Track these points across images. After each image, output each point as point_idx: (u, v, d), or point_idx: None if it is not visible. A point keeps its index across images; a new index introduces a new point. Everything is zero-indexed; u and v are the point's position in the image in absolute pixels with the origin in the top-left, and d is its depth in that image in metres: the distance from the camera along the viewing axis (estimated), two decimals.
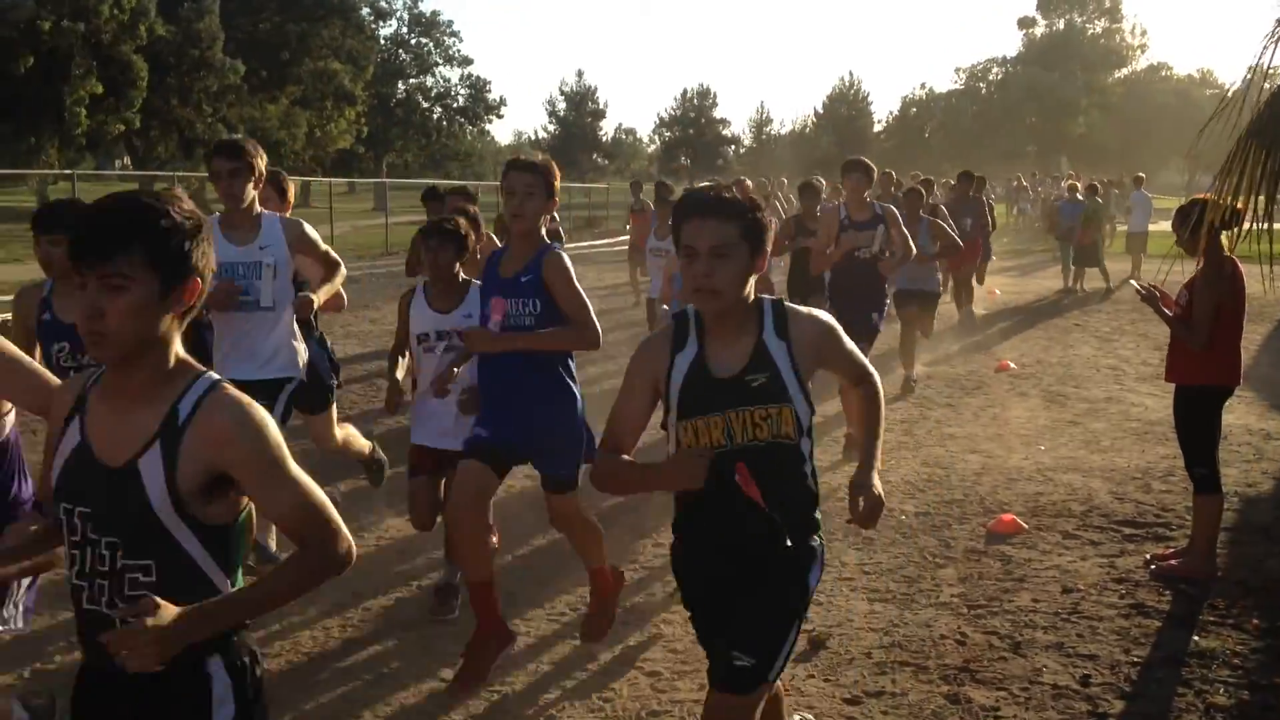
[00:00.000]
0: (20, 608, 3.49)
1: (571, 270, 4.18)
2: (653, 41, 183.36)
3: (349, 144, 51.15)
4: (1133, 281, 5.83)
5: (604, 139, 76.82)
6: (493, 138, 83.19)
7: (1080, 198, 18.73)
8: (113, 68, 35.67)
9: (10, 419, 3.41)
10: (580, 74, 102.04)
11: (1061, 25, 74.66)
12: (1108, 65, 74.24)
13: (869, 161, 8.11)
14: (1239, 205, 4.40)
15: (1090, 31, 74.69)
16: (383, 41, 61.74)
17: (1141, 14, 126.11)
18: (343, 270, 5.25)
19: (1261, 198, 4.28)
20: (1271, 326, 13.89)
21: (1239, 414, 8.58)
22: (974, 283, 14.64)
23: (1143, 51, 75.90)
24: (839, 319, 3.06)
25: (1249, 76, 4.43)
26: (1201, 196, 5.20)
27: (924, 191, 11.84)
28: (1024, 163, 61.61)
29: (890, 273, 8.35)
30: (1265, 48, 4.31)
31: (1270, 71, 4.50)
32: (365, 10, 56.53)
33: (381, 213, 35.63)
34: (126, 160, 46.03)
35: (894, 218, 8.23)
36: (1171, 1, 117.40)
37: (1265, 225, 4.57)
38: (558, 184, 4.24)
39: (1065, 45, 72.36)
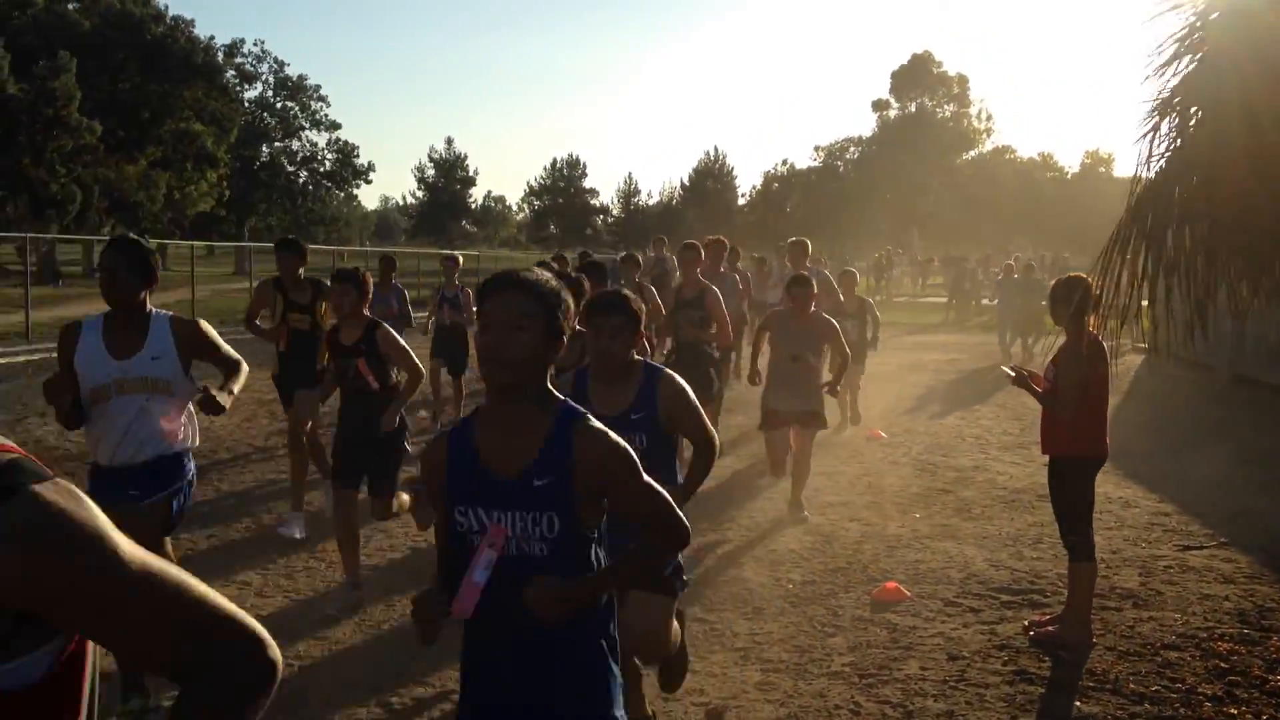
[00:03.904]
0: None
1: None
2: (523, 111, 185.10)
3: (210, 206, 49.93)
4: (1004, 368, 6.08)
5: (473, 206, 76.85)
6: (360, 203, 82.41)
7: (1017, 276, 20.67)
8: None
9: None
10: (450, 141, 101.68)
11: (913, 108, 78.16)
12: (957, 147, 77.94)
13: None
14: (1117, 285, 4.66)
15: (940, 115, 78.36)
16: (247, 104, 60.74)
17: (987, 100, 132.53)
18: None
19: (1145, 280, 4.55)
20: (1120, 398, 14.62)
21: (1098, 482, 8.93)
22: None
23: (989, 135, 79.92)
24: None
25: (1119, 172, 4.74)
26: (1076, 276, 5.50)
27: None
28: (881, 239, 63.85)
29: None
30: (1148, 143, 4.63)
31: (1108, 157, 4.84)
32: (230, 73, 55.61)
33: (243, 276, 34.77)
34: None
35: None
36: (1014, 90, 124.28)
37: (1147, 304, 4.83)
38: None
39: (917, 127, 75.74)
